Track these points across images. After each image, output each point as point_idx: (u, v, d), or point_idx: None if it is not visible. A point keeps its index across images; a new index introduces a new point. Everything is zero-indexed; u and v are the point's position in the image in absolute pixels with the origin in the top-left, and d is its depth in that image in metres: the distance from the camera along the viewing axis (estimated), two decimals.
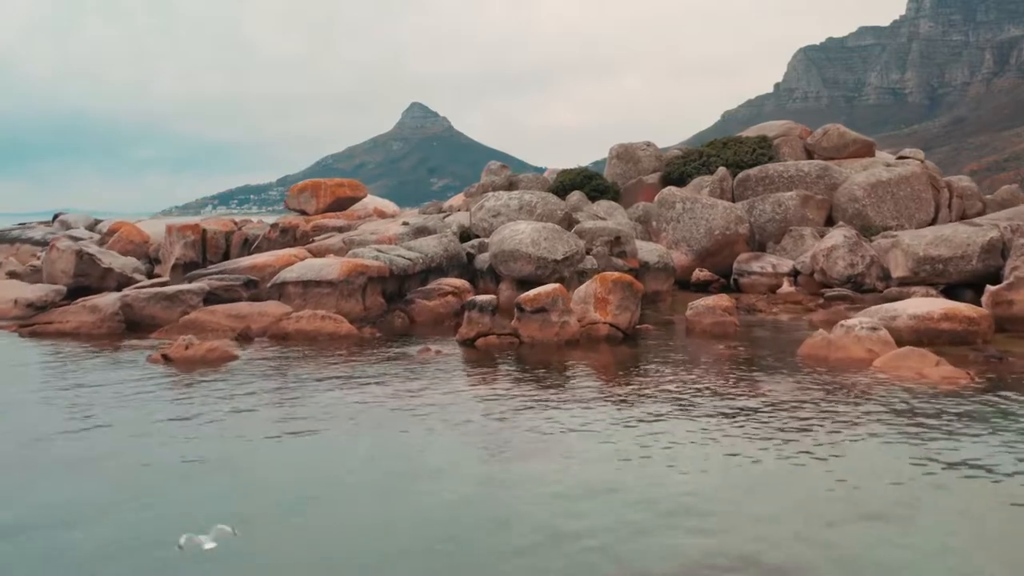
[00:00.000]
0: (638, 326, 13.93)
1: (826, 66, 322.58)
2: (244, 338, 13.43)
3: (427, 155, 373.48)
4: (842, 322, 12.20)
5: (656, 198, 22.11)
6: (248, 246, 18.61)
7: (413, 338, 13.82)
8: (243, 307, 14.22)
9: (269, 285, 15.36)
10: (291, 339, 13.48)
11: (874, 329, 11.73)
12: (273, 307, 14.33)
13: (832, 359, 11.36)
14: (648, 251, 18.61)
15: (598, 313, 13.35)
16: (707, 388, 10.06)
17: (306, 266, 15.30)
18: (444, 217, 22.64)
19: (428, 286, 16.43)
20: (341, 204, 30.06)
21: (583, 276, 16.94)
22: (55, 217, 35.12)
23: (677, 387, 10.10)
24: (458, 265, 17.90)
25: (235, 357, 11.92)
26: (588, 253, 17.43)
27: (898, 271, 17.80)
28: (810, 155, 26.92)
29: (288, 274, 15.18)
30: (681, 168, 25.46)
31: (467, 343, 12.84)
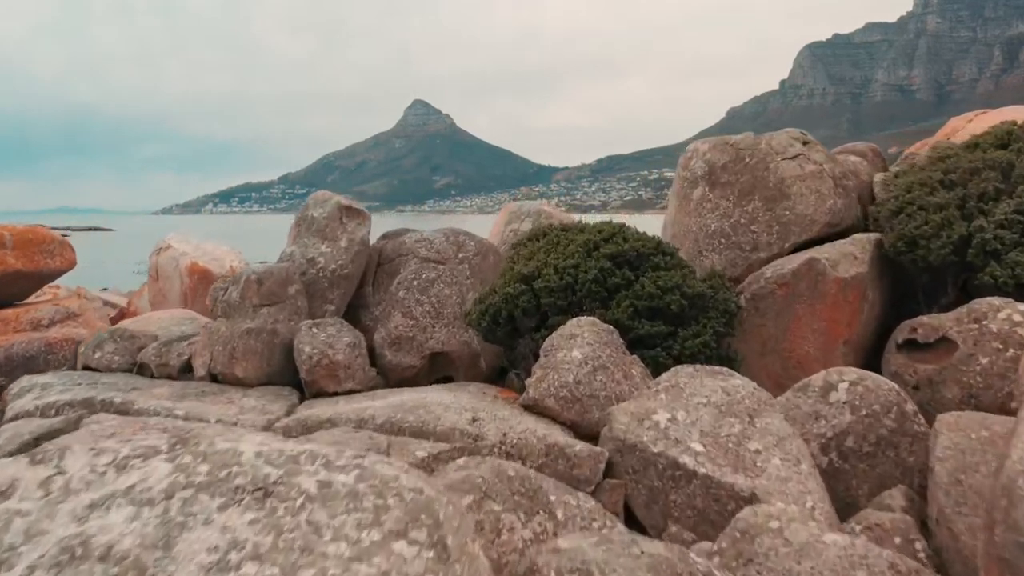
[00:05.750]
0: None
1: (832, 63, 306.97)
2: None
3: (429, 153, 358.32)
4: None
5: None
6: None
7: None
8: None
9: None
10: None
11: None
12: None
13: None
14: None
15: None
16: None
17: None
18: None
19: None
20: (7, 282, 12.25)
21: None
22: None
23: None
24: None
25: None
26: None
27: None
28: None
29: None
30: (941, 217, 7.51)
31: None
